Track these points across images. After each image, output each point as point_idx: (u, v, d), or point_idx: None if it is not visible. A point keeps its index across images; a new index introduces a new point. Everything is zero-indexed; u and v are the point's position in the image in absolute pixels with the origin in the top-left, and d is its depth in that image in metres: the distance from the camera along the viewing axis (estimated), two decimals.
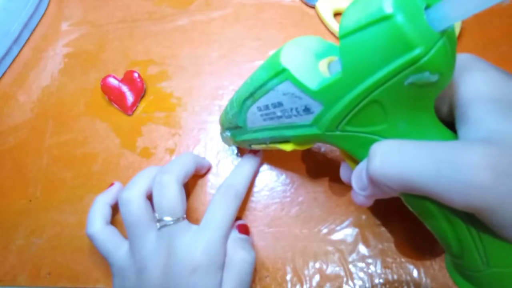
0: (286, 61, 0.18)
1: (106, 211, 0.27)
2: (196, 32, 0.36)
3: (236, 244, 0.25)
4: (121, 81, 0.33)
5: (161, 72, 0.35)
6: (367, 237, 0.28)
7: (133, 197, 0.24)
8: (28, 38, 0.37)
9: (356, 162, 0.20)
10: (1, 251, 0.31)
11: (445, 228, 0.17)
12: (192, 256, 0.22)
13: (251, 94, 0.21)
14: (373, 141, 0.17)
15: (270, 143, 0.23)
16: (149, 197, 0.25)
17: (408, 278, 0.27)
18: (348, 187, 0.29)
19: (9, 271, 0.30)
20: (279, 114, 0.20)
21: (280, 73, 0.18)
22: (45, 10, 0.38)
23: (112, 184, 0.29)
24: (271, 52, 0.34)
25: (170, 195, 0.24)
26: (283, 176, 0.30)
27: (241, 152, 0.31)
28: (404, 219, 0.28)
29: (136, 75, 0.33)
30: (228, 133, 0.27)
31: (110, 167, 0.32)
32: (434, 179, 0.14)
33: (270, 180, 0.30)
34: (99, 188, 0.31)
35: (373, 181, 0.16)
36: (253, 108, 0.21)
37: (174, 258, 0.23)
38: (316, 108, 0.18)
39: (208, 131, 0.32)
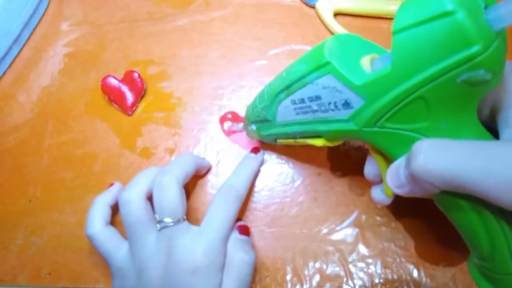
0: (330, 55, 0.18)
1: (106, 212, 0.27)
2: (196, 32, 0.35)
3: (236, 245, 0.25)
4: (121, 81, 0.33)
5: (161, 72, 0.34)
6: (367, 237, 0.28)
7: (133, 197, 0.24)
8: (28, 38, 0.37)
9: (387, 160, 0.20)
10: (1, 251, 0.31)
11: (478, 229, 0.17)
12: (192, 257, 0.22)
13: (287, 87, 0.21)
14: (412, 138, 0.17)
15: (300, 138, 0.23)
16: (149, 198, 0.25)
17: (408, 278, 0.27)
18: (348, 187, 0.30)
19: (9, 271, 0.30)
20: (315, 108, 0.20)
21: (322, 66, 0.18)
22: (45, 10, 0.38)
23: (112, 184, 0.29)
24: (271, 52, 0.34)
25: (171, 196, 0.23)
26: (283, 176, 0.30)
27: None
28: (404, 219, 0.28)
29: (136, 75, 0.33)
30: (253, 127, 0.26)
31: (110, 167, 0.32)
32: (482, 176, 0.13)
33: (270, 180, 0.30)
34: (99, 188, 0.31)
35: (414, 179, 0.16)
36: (286, 102, 0.21)
37: (174, 259, 0.23)
38: (357, 103, 0.18)
39: (208, 131, 0.32)
